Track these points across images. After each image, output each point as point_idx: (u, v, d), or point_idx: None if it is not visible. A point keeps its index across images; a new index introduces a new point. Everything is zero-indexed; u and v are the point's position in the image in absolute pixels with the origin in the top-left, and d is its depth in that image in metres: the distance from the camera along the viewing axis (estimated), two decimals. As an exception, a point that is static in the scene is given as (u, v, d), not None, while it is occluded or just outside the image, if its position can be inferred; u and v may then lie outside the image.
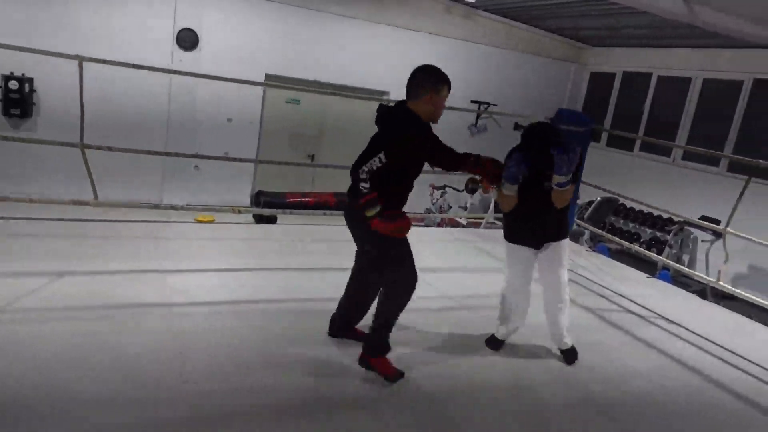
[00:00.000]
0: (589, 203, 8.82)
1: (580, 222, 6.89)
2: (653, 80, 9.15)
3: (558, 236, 3.31)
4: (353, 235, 3.10)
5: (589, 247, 7.02)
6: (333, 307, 3.42)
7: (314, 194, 9.16)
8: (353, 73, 8.65)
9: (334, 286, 4.03)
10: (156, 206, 5.87)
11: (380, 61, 8.81)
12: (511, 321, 3.43)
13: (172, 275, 3.92)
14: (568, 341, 3.43)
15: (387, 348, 2.99)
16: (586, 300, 4.58)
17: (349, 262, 4.49)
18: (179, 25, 7.49)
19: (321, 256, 4.74)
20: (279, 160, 8.42)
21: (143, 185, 7.64)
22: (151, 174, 7.69)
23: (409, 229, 2.80)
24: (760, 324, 4.69)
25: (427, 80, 2.91)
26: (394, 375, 2.93)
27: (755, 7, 4.95)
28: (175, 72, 5.84)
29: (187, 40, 7.56)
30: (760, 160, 4.54)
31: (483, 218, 8.17)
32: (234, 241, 4.94)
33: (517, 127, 9.87)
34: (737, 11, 4.90)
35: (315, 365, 3.04)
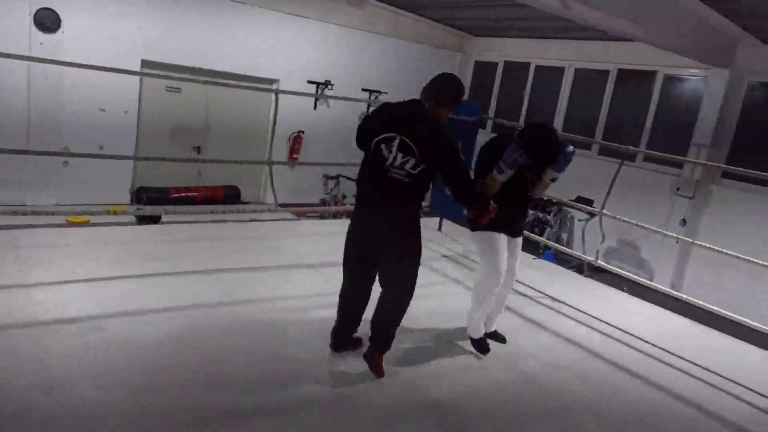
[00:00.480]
0: (478, 188, 9.17)
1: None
2: (532, 69, 9.65)
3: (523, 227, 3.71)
4: (386, 246, 2.98)
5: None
6: (226, 314, 3.24)
7: (201, 188, 8.70)
8: (240, 61, 8.26)
9: (226, 290, 3.86)
10: (18, 209, 5.24)
11: (269, 48, 8.50)
12: (485, 311, 3.53)
13: (39, 289, 3.51)
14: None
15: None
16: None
17: (242, 262, 4.29)
18: (37, 3, 6.69)
19: (211, 258, 4.48)
20: (161, 152, 7.93)
21: (2, 186, 6.80)
22: (10, 172, 6.85)
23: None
24: (631, 296, 5.13)
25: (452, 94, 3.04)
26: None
27: (620, 4, 5.35)
28: (33, 59, 5.21)
29: (48, 20, 6.78)
30: (630, 146, 4.96)
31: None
32: (112, 245, 4.52)
33: (407, 114, 10.03)
34: (605, 7, 5.26)
35: (213, 380, 2.86)
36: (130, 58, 7.27)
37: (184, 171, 8.56)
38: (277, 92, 4.61)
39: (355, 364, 3.15)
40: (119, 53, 7.15)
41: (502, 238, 3.43)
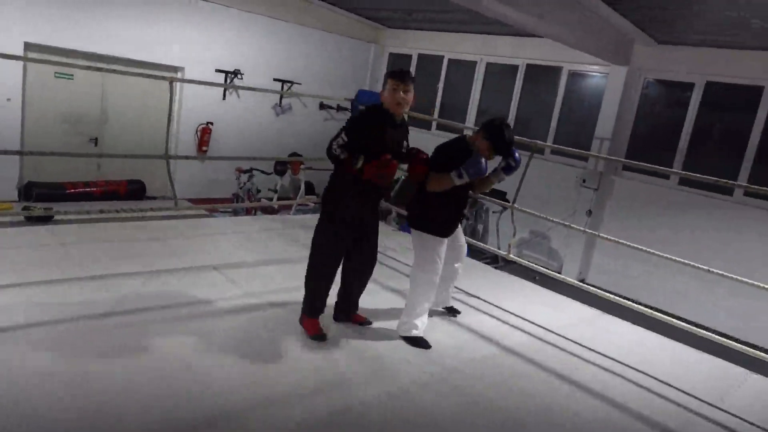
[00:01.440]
0: (395, 182, 9.16)
1: (385, 202, 7.06)
2: (445, 62, 9.74)
3: None
4: (367, 229, 3.43)
5: (397, 225, 7.27)
6: (125, 323, 2.95)
7: (101, 182, 8.09)
8: (139, 47, 7.71)
9: (117, 298, 3.54)
10: None
11: (171, 34, 7.99)
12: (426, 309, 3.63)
13: None
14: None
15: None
16: (395, 282, 4.68)
17: (141, 266, 3.99)
18: None
19: (103, 261, 4.11)
20: (52, 144, 7.27)
21: None
22: None
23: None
24: (540, 287, 5.26)
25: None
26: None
27: (526, 1, 5.46)
28: None
29: None
30: (537, 141, 5.08)
31: (293, 202, 7.99)
32: (-11, 250, 4.04)
33: (322, 106, 9.83)
34: (513, 2, 5.33)
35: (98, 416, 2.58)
36: (11, 41, 6.58)
37: (81, 164, 7.91)
38: (171, 80, 4.26)
39: (252, 369, 2.98)
40: (-3, 35, 6.46)
41: (444, 242, 3.58)
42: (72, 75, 7.49)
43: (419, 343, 3.57)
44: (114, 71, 4.82)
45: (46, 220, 6.08)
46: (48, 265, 3.87)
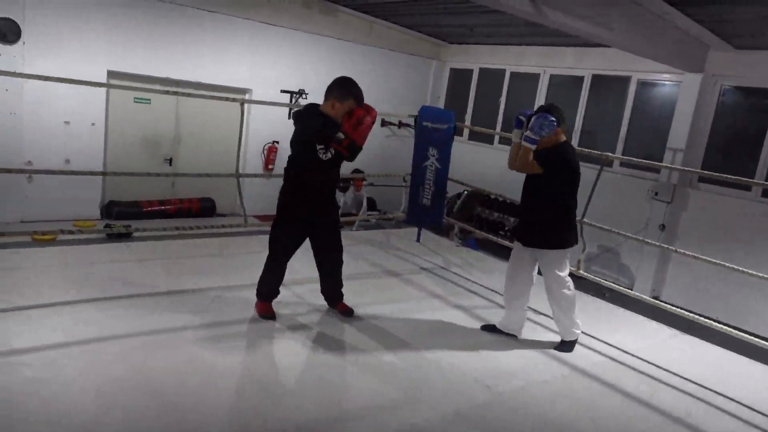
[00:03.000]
0: (457, 196, 9.10)
1: (449, 218, 7.03)
2: (507, 76, 9.63)
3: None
4: (321, 228, 3.68)
5: (460, 241, 7.21)
6: (200, 337, 3.06)
7: (175, 201, 8.48)
8: (210, 71, 8.07)
9: (200, 311, 3.68)
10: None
11: (240, 57, 8.33)
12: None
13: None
14: None
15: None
16: (461, 299, 4.63)
17: (215, 280, 4.15)
18: (-4, 14, 6.44)
19: (184, 276, 4.29)
20: (131, 165, 7.70)
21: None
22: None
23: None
24: (611, 304, 5.06)
25: (338, 89, 3.56)
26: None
27: (592, 9, 5.32)
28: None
29: (7, 30, 6.53)
30: (607, 153, 4.92)
31: (356, 218, 8.07)
32: (77, 265, 4.31)
33: (384, 123, 9.93)
34: (577, 13, 5.22)
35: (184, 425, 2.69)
36: (96, 69, 7.05)
37: (157, 183, 8.32)
38: (242, 102, 4.45)
39: (326, 386, 3.00)
40: (84, 64, 6.93)
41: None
42: (149, 99, 7.92)
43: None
44: (188, 95, 5.07)
45: (125, 236, 6.43)
46: (128, 280, 4.08)
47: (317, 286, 3.93)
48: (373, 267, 4.88)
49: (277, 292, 3.82)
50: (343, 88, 3.47)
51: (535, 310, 4.48)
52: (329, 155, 3.38)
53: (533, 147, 3.51)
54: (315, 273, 3.86)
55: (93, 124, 7.42)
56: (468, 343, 3.77)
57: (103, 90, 7.33)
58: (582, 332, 4.24)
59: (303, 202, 3.57)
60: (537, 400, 3.20)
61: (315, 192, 3.56)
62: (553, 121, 3.46)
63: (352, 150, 3.40)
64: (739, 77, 7.02)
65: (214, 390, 2.87)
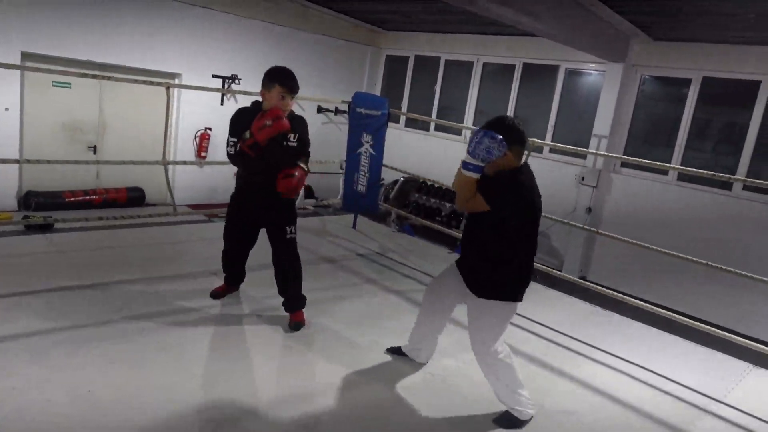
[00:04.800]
0: (394, 183, 9.16)
1: (385, 204, 7.08)
2: (442, 63, 9.75)
3: None
4: (270, 221, 3.50)
5: (396, 227, 7.27)
6: (125, 330, 2.94)
7: (101, 191, 8.10)
8: (138, 54, 7.72)
9: (119, 306, 3.54)
10: None
11: (169, 41, 8.00)
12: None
13: None
14: None
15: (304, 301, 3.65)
16: (396, 284, 4.67)
17: (141, 272, 4.01)
18: None
19: (103, 269, 4.10)
20: (52, 153, 7.27)
21: None
22: None
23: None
24: (540, 285, 5.26)
25: (265, 78, 3.30)
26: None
27: (526, 1, 5.46)
28: None
29: None
30: (536, 139, 5.08)
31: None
32: (-11, 260, 4.04)
33: (320, 110, 9.84)
34: (508, 2, 5.34)
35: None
36: (9, 50, 6.60)
37: (80, 172, 7.92)
38: (168, 86, 4.27)
39: (251, 373, 2.97)
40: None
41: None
42: (69, 83, 7.50)
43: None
44: (111, 78, 4.83)
45: (45, 228, 6.08)
46: (48, 273, 3.87)
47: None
48: (309, 254, 4.83)
49: (226, 272, 3.83)
50: (268, 76, 3.29)
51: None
52: (232, 151, 3.31)
53: (476, 176, 2.58)
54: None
55: (6, 109, 6.97)
56: (398, 326, 3.80)
57: (17, 73, 6.87)
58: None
59: (232, 196, 3.60)
60: (471, 379, 3.28)
61: (238, 188, 3.54)
62: (501, 140, 2.51)
63: (255, 150, 3.22)
64: (658, 67, 7.41)
65: (142, 382, 2.78)
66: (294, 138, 3.32)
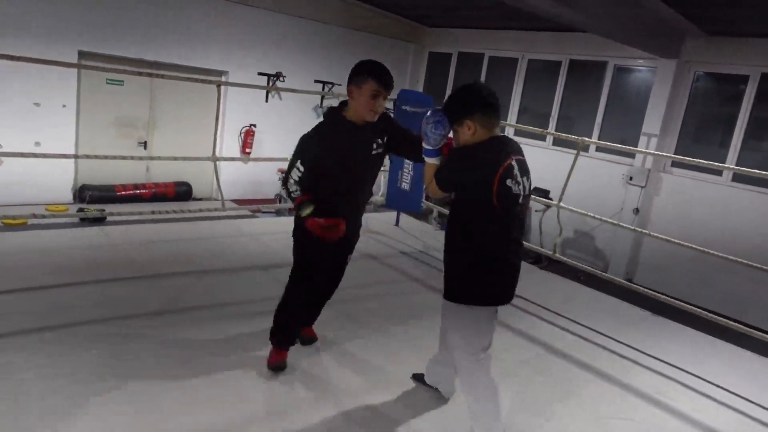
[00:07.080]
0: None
1: (428, 202, 7.05)
2: (486, 60, 9.64)
3: None
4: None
5: (439, 225, 7.24)
6: (166, 324, 3.03)
7: (151, 185, 8.35)
8: (186, 52, 7.91)
9: (169, 298, 3.64)
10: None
11: (216, 39, 8.17)
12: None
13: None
14: None
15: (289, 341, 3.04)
16: (439, 282, 4.65)
17: (191, 265, 4.10)
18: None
19: (154, 262, 4.24)
20: (105, 148, 7.54)
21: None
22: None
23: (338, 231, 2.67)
24: (586, 287, 5.16)
25: (351, 74, 2.70)
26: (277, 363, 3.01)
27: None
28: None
29: (-27, 9, 6.31)
30: (583, 138, 4.97)
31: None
32: (49, 251, 4.23)
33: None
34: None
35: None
36: (67, 50, 6.86)
37: (131, 167, 8.18)
38: (219, 84, 4.37)
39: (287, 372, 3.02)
40: (54, 44, 6.74)
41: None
42: (122, 81, 7.75)
43: None
44: (164, 76, 4.97)
45: (99, 221, 6.32)
46: (101, 265, 4.02)
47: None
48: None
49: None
50: (361, 69, 2.65)
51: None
52: (295, 188, 2.71)
53: (435, 161, 2.40)
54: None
55: (64, 105, 7.25)
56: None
57: (75, 71, 7.14)
58: (557, 313, 4.30)
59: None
60: (508, 379, 3.25)
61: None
62: (437, 116, 2.34)
63: (299, 208, 2.69)
64: (713, 63, 7.14)
65: (189, 372, 2.86)
66: (382, 142, 2.81)
